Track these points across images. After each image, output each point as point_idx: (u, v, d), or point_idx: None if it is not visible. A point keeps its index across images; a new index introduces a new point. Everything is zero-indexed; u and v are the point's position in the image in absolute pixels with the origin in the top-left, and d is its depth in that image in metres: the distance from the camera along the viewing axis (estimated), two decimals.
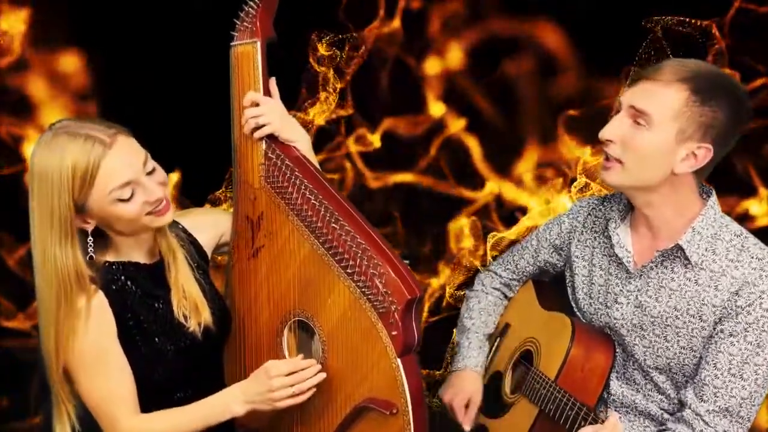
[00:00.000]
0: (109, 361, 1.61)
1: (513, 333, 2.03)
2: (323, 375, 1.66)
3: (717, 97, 1.58)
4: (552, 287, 2.02)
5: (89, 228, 1.60)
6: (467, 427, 1.94)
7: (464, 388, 1.97)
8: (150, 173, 1.61)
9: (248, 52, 1.76)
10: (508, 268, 2.09)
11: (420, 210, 3.00)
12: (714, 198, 1.69)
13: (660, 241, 1.71)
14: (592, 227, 1.87)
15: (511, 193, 2.97)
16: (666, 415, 1.73)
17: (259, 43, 1.75)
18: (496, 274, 2.11)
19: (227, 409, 1.65)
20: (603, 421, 1.60)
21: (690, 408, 1.63)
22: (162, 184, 1.64)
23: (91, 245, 1.61)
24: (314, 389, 1.65)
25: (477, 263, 2.97)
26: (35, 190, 1.56)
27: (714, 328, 1.62)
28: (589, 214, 1.90)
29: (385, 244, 1.65)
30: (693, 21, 2.64)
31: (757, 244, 1.65)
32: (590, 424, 1.62)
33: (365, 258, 1.63)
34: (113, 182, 1.56)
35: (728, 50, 2.61)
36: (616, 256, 1.76)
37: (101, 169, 1.54)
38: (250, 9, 1.75)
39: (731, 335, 1.60)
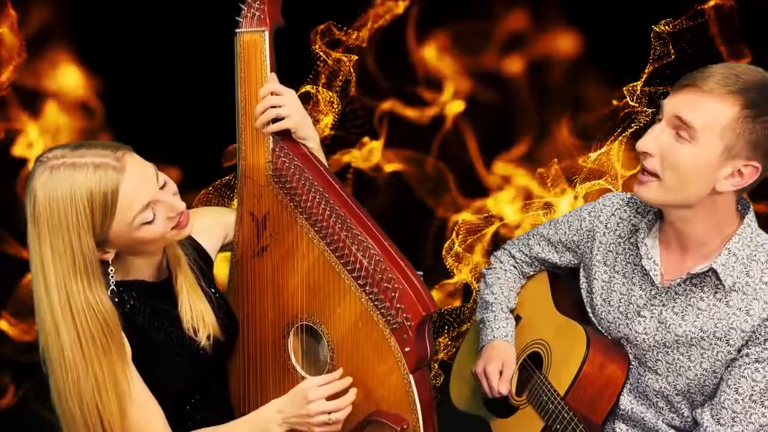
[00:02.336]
0: (139, 389, 1.52)
1: (523, 329, 1.99)
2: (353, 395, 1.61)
3: None
4: (567, 285, 1.96)
5: (109, 258, 1.49)
6: (504, 389, 1.85)
7: (496, 355, 1.89)
8: (162, 187, 1.50)
9: (255, 41, 1.65)
10: (521, 250, 2.02)
11: (414, 213, 2.94)
12: (752, 214, 1.60)
13: (690, 258, 1.63)
14: (616, 230, 1.78)
15: (507, 199, 2.92)
16: None
17: (267, 32, 1.64)
18: (510, 254, 2.05)
19: (266, 428, 1.59)
20: None
21: (705, 430, 1.60)
22: (176, 194, 1.53)
23: (112, 275, 1.51)
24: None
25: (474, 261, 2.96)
26: (45, 234, 1.40)
27: (739, 351, 1.57)
28: (613, 214, 1.80)
29: (398, 256, 1.58)
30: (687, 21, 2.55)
31: None
32: None
33: (378, 270, 1.57)
34: (135, 207, 1.43)
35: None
36: (642, 267, 1.68)
37: (120, 196, 1.41)
38: None
39: (757, 361, 1.54)
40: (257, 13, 1.63)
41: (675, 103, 1.51)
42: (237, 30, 1.66)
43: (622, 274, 1.75)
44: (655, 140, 1.52)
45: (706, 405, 1.62)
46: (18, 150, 2.80)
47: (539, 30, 2.75)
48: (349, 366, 1.64)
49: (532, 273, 2.03)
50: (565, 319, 1.86)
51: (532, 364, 1.90)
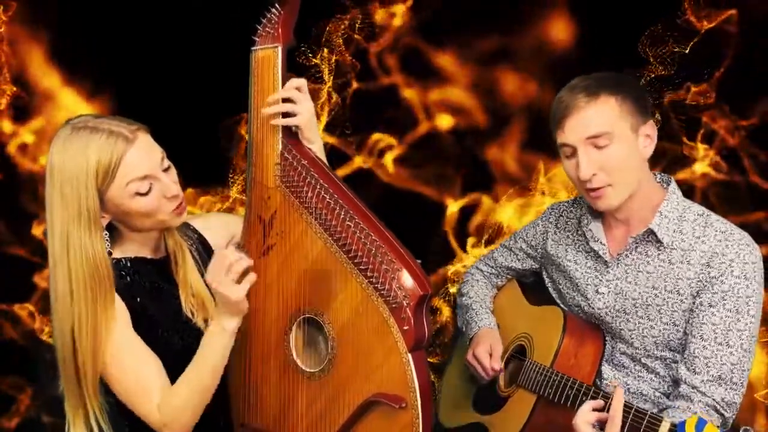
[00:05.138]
0: (137, 349, 1.63)
1: (502, 333, 2.11)
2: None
3: (623, 86, 1.78)
4: (537, 285, 2.14)
5: (104, 222, 1.64)
6: (497, 365, 1.98)
7: (483, 339, 2.05)
8: (166, 170, 1.67)
9: (269, 57, 1.82)
10: (488, 264, 2.25)
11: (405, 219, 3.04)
12: (674, 185, 1.86)
13: (630, 229, 1.86)
14: (565, 227, 2.02)
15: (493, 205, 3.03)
16: (658, 394, 1.84)
17: (280, 48, 1.81)
18: (477, 268, 2.27)
19: (222, 330, 1.64)
20: (605, 395, 1.67)
21: (685, 383, 1.73)
22: (176, 182, 1.69)
23: (107, 239, 1.65)
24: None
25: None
26: (57, 183, 1.59)
27: (693, 302, 1.75)
28: (561, 215, 2.06)
29: (397, 242, 1.70)
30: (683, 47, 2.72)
31: (719, 220, 1.81)
32: (591, 397, 1.69)
33: (378, 255, 1.67)
34: (132, 174, 1.60)
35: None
36: (593, 250, 1.90)
37: (123, 163, 1.59)
38: (272, 16, 1.82)
39: (710, 305, 1.73)
40: (272, 32, 1.82)
41: (575, 131, 1.77)
42: (252, 48, 1.84)
43: (574, 262, 1.96)
44: (589, 163, 1.76)
45: (680, 362, 1.77)
46: (19, 158, 2.92)
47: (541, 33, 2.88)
48: (351, 352, 1.71)
49: (501, 284, 2.23)
50: (540, 308, 2.03)
51: (518, 356, 2.01)
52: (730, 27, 2.64)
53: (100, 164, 1.57)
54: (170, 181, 1.66)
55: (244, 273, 1.63)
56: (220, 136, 2.97)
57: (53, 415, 2.82)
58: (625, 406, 1.58)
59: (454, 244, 3.03)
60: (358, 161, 3.05)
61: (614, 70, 1.89)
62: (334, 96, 3.00)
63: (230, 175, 3.05)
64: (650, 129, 1.80)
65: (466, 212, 3.02)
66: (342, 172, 2.99)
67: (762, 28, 2.61)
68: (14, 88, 2.89)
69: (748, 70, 2.62)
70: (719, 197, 2.71)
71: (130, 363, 1.63)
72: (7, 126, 2.93)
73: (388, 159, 3.04)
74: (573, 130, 1.76)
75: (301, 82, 1.79)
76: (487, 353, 2.00)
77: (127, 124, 1.63)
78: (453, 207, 3.04)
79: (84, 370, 1.59)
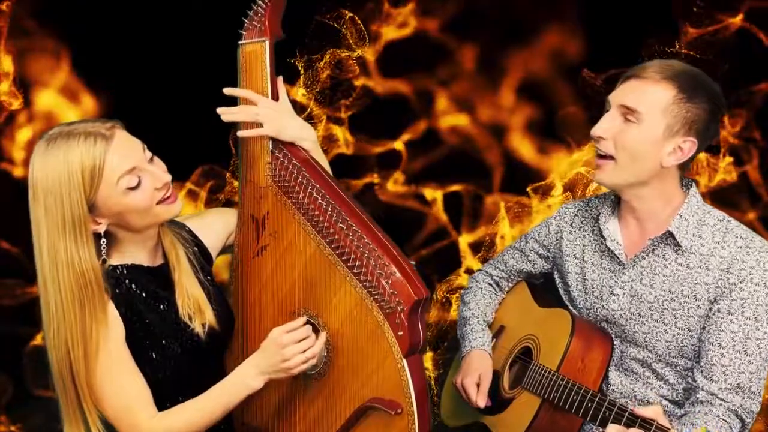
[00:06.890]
0: (126, 367, 1.60)
1: (508, 333, 2.07)
2: (324, 335, 1.67)
3: (700, 95, 1.69)
4: (546, 287, 2.08)
5: (101, 229, 1.60)
6: (481, 403, 1.93)
7: (473, 368, 1.98)
8: (150, 161, 1.63)
9: (257, 51, 1.76)
10: (497, 267, 2.17)
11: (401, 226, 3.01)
12: (695, 188, 1.79)
13: (648, 231, 1.80)
14: (581, 227, 1.96)
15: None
16: (665, 402, 1.79)
17: (267, 42, 1.75)
18: (486, 272, 2.19)
19: (245, 385, 1.63)
20: (610, 403, 1.64)
21: (703, 390, 1.68)
22: (164, 171, 1.65)
23: (104, 247, 1.61)
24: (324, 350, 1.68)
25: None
26: (40, 198, 1.54)
27: (710, 309, 1.70)
28: (576, 215, 1.99)
29: (391, 245, 1.66)
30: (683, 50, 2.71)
31: (739, 226, 1.75)
32: (597, 404, 1.66)
33: (372, 258, 1.64)
34: (120, 169, 1.56)
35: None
36: (609, 249, 1.85)
37: (107, 162, 1.55)
38: (258, 8, 1.75)
39: (729, 313, 1.68)
40: (258, 25, 1.76)
41: (621, 93, 1.74)
42: (239, 42, 1.78)
43: (591, 262, 1.90)
44: (607, 126, 1.73)
45: (695, 370, 1.72)
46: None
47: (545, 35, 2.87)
48: (345, 356, 1.69)
49: (510, 286, 2.16)
50: (548, 310, 1.98)
51: (524, 358, 1.97)
52: (728, 31, 2.64)
53: (84, 168, 1.53)
54: (158, 171, 1.62)
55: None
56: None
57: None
58: (629, 415, 1.54)
59: (453, 233, 3.01)
60: (365, 175, 3.04)
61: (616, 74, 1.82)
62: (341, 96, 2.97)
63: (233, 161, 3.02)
64: (688, 146, 1.70)
65: (467, 210, 3.00)
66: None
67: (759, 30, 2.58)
68: (20, 98, 2.86)
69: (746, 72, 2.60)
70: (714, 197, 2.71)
71: (120, 386, 1.60)
72: (25, 133, 2.91)
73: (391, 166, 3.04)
74: (620, 92, 1.74)
75: (248, 94, 1.75)
76: (475, 385, 1.93)
77: (101, 123, 1.58)
78: (437, 195, 3.04)
79: (81, 383, 1.56)
